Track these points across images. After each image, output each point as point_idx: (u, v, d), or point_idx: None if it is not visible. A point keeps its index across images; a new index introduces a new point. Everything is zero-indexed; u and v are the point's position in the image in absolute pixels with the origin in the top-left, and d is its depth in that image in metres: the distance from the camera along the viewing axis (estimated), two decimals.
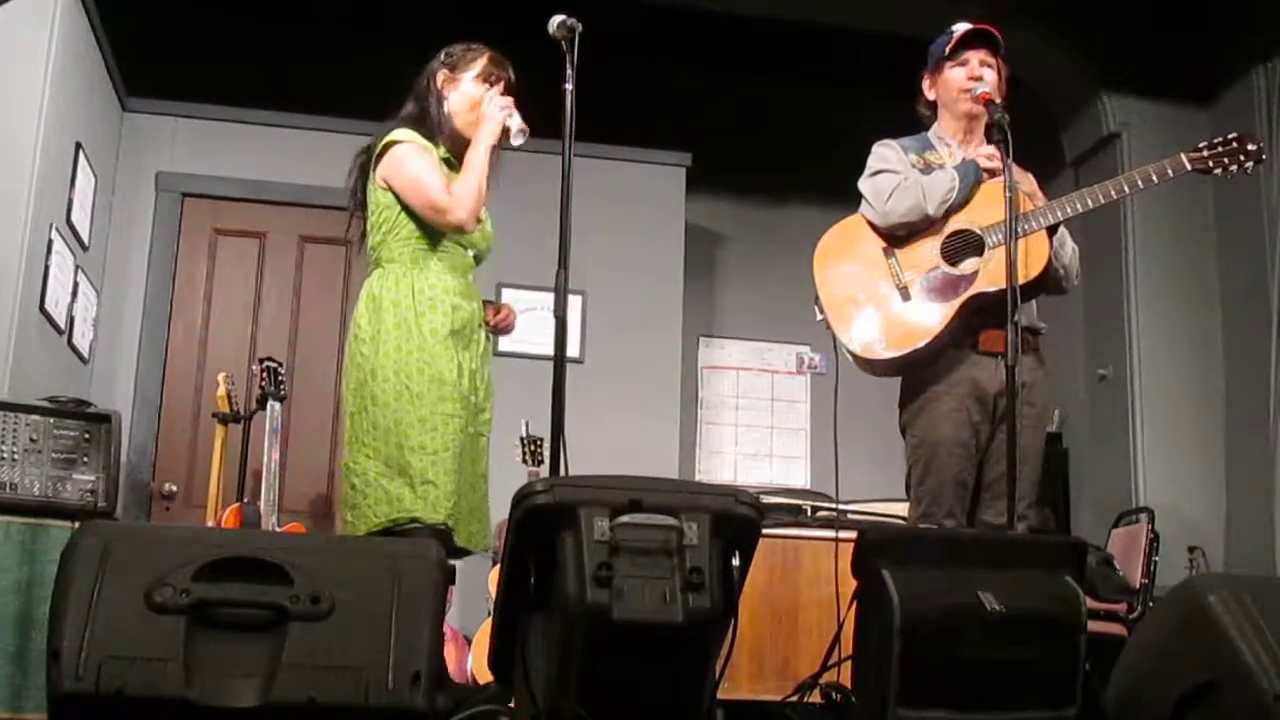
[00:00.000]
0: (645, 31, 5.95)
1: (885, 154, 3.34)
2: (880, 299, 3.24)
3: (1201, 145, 3.20)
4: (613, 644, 1.99)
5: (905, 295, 3.22)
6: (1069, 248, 3.31)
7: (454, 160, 3.23)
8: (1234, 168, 3.17)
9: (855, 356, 3.26)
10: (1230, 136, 3.19)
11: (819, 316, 3.32)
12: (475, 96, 3.23)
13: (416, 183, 3.11)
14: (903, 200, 3.21)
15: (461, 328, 3.11)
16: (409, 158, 3.13)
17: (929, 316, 3.18)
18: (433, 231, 3.15)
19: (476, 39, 3.32)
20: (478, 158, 3.15)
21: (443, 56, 3.30)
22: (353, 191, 3.32)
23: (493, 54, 3.31)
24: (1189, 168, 3.17)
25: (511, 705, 2.33)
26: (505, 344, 4.53)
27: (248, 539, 2.38)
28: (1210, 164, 3.17)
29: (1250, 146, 3.16)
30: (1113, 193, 3.17)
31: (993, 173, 3.23)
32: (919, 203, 3.20)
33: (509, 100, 3.22)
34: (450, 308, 3.10)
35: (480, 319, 3.22)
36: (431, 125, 3.22)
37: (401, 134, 3.17)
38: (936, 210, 3.21)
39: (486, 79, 3.25)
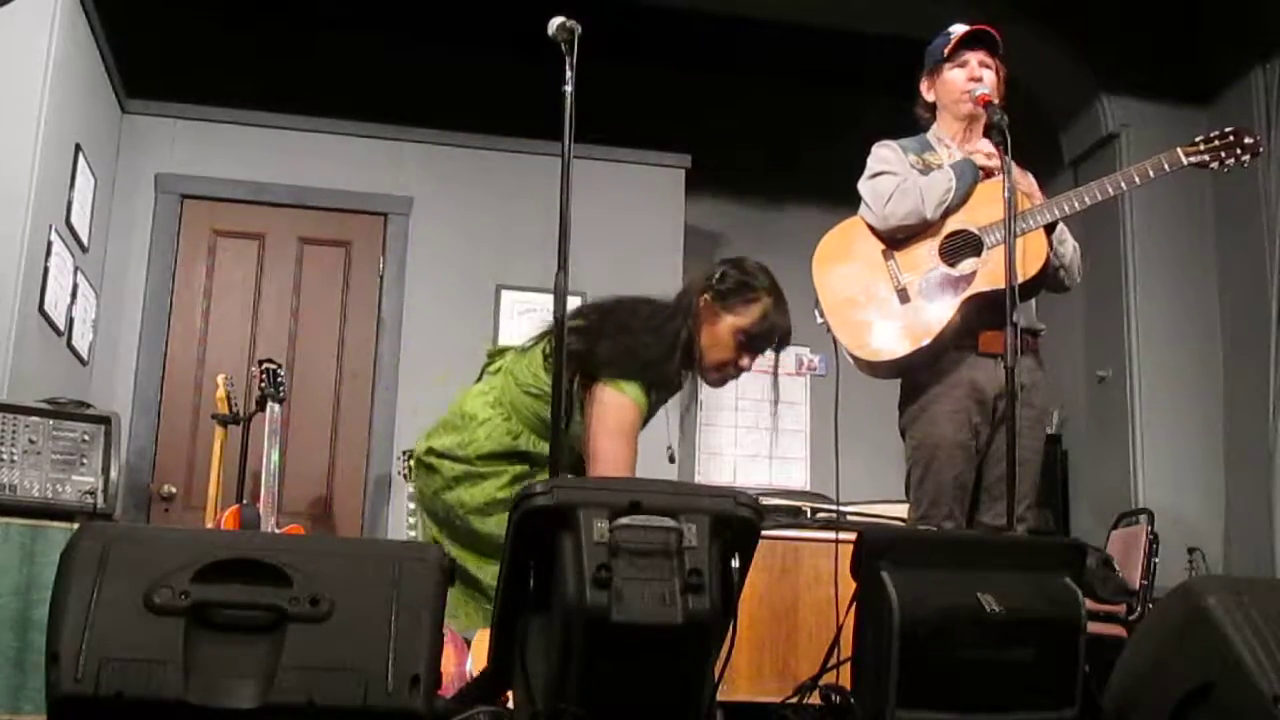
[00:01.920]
0: (645, 34, 5.96)
1: (885, 155, 3.33)
2: (879, 301, 3.23)
3: (1198, 139, 3.19)
4: (612, 646, 1.99)
5: (904, 297, 3.22)
6: (1069, 245, 3.31)
7: (664, 385, 2.77)
8: (1231, 161, 3.17)
9: (855, 359, 3.26)
10: (1227, 130, 3.19)
11: (818, 319, 3.32)
12: (728, 357, 2.73)
13: (605, 449, 2.61)
14: (902, 203, 3.21)
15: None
16: (622, 434, 2.64)
17: (928, 318, 3.18)
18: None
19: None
20: None
21: (716, 275, 2.79)
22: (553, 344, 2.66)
23: (771, 303, 2.75)
24: (1186, 162, 3.16)
25: (509, 705, 2.33)
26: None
27: (247, 540, 2.37)
28: (1207, 158, 3.17)
29: (1247, 140, 3.16)
30: (1110, 189, 3.17)
31: (989, 171, 3.23)
32: (918, 206, 3.19)
33: None
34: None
35: None
36: (674, 371, 2.71)
37: (633, 392, 2.66)
38: (934, 213, 3.21)
39: (751, 342, 2.73)
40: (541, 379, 2.74)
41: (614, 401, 2.64)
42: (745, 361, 2.75)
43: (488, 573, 2.77)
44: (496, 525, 2.75)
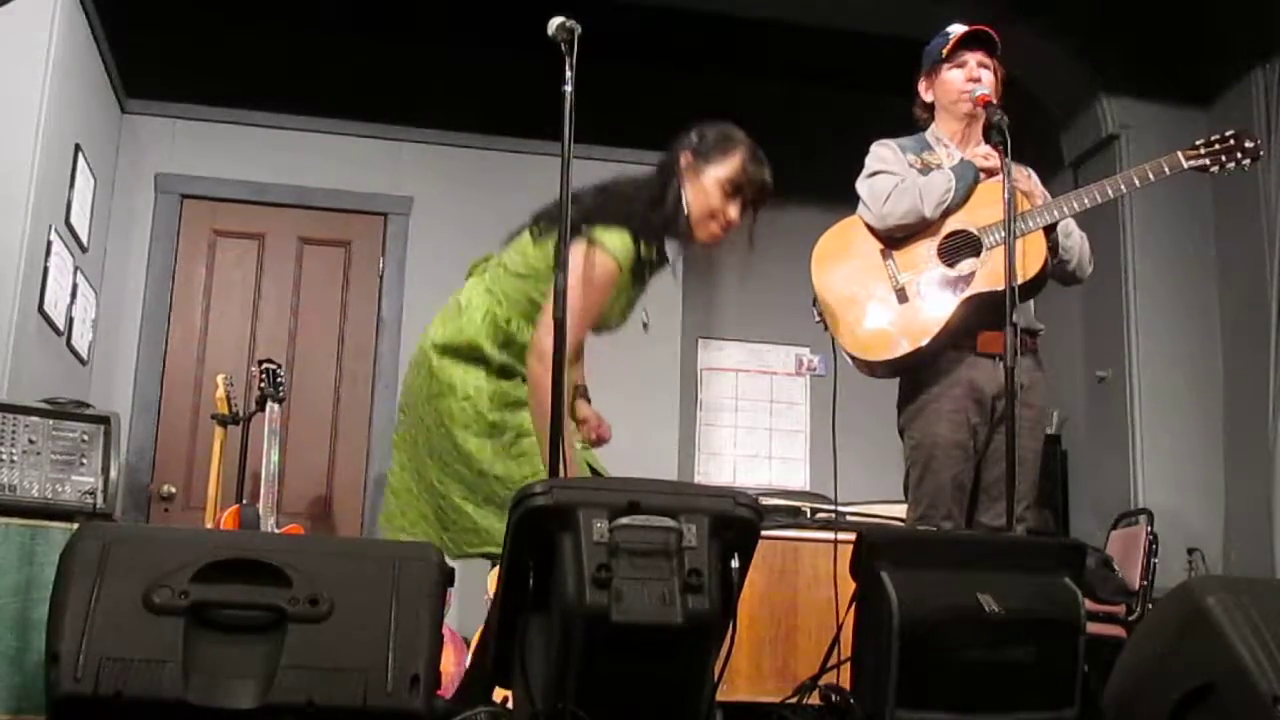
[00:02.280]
0: (645, 33, 5.96)
1: (883, 154, 3.34)
2: (878, 300, 3.24)
3: (1199, 143, 3.20)
4: (611, 646, 1.99)
5: (903, 297, 3.22)
6: (1075, 237, 3.31)
7: (650, 267, 2.88)
8: (1231, 165, 3.17)
9: (854, 358, 3.27)
10: (1228, 134, 3.19)
11: (817, 318, 3.32)
12: (714, 206, 2.83)
13: (573, 298, 2.59)
14: (900, 203, 3.21)
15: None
16: (591, 283, 2.72)
17: (927, 318, 3.18)
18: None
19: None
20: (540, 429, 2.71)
21: (694, 136, 2.88)
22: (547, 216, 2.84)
23: (749, 152, 2.86)
24: (1186, 165, 3.16)
25: (508, 705, 2.33)
26: None
27: (246, 540, 2.37)
28: (1208, 161, 3.17)
29: (1248, 143, 3.16)
30: (1110, 191, 3.17)
31: (990, 172, 3.23)
32: (916, 205, 3.20)
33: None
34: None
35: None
36: (660, 219, 2.80)
37: (616, 243, 2.75)
38: (933, 212, 3.21)
39: (735, 189, 2.84)
40: (529, 256, 2.84)
41: (593, 256, 2.73)
42: (732, 211, 2.85)
43: (450, 489, 2.83)
44: (475, 448, 2.81)
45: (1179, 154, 3.17)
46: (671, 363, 6.00)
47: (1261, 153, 3.21)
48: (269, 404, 4.74)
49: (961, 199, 3.22)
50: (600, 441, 3.20)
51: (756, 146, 2.90)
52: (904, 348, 3.19)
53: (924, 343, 3.17)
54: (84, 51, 4.86)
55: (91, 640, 1.87)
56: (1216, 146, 3.17)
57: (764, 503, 3.08)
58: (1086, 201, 3.17)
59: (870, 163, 3.33)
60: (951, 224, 3.23)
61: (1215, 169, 3.18)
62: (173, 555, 1.98)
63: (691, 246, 2.93)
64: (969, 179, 3.22)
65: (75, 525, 2.69)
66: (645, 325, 3.02)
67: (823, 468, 5.60)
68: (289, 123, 5.80)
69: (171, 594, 1.93)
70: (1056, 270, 3.28)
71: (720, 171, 2.85)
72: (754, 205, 2.90)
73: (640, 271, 2.91)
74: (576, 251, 2.69)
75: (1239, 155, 3.16)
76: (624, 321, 3.04)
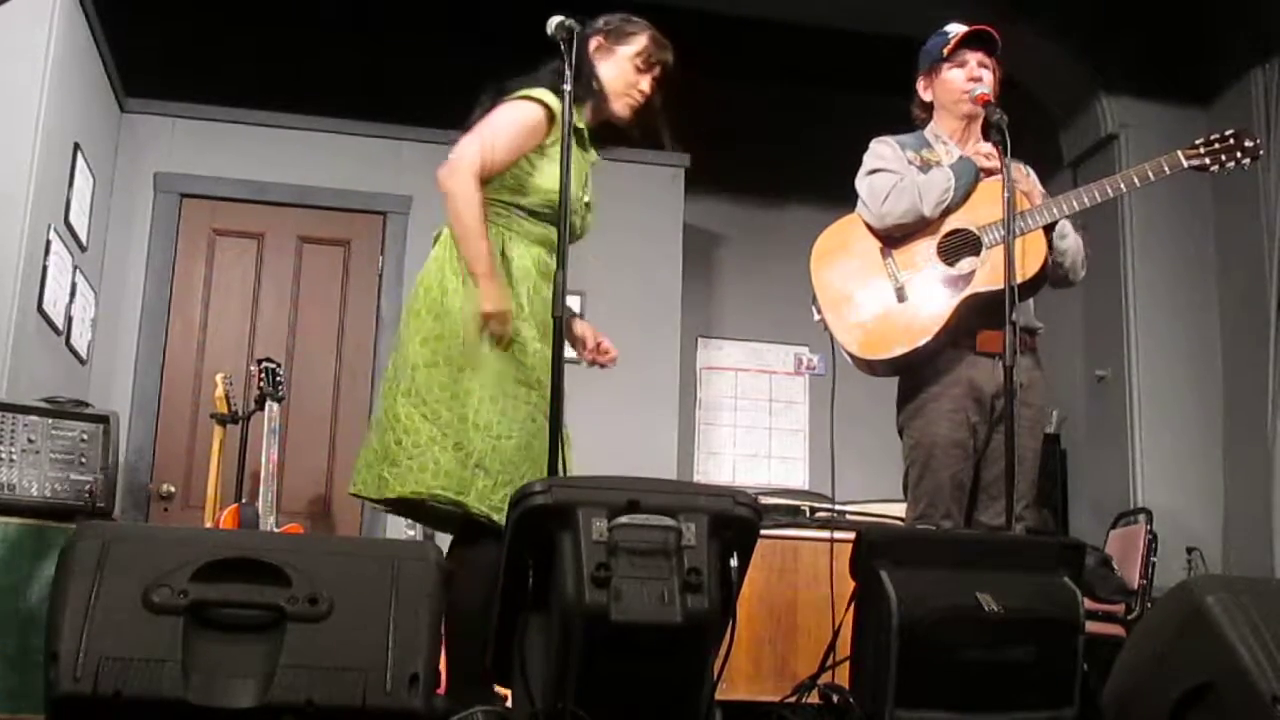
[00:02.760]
0: None
1: (882, 151, 3.33)
2: (877, 299, 3.23)
3: (1199, 142, 3.19)
4: (611, 644, 1.99)
5: (902, 295, 3.22)
6: (1069, 240, 3.30)
7: (586, 135, 3.05)
8: (1231, 164, 3.16)
9: (853, 357, 3.26)
10: (1227, 133, 3.18)
11: (816, 317, 3.32)
12: (630, 80, 3.06)
13: (492, 129, 2.85)
14: (899, 202, 3.20)
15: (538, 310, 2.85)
16: (509, 112, 2.90)
17: (926, 316, 3.18)
18: (531, 192, 2.90)
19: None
20: (483, 254, 2.80)
21: (600, 23, 3.08)
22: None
23: (654, 34, 3.11)
24: (1186, 165, 3.16)
25: (508, 704, 2.33)
26: None
27: (246, 540, 2.38)
28: (1208, 161, 3.17)
29: (1247, 143, 3.16)
30: (1110, 191, 3.17)
31: (990, 171, 3.23)
32: (915, 204, 3.19)
33: (505, 319, 2.78)
34: (531, 288, 2.86)
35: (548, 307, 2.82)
36: (583, 86, 2.95)
37: (541, 94, 2.89)
38: (932, 211, 3.20)
39: (646, 64, 3.07)
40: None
41: (517, 102, 2.91)
42: (646, 85, 3.09)
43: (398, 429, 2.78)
44: (425, 377, 2.78)
45: (1179, 153, 3.16)
46: (671, 362, 6.00)
47: (1261, 152, 3.21)
48: (268, 403, 4.74)
49: (961, 198, 3.22)
50: (603, 362, 3.11)
51: (655, 28, 3.16)
52: (903, 346, 3.19)
53: (924, 341, 3.17)
54: (83, 50, 4.85)
55: (90, 639, 1.87)
56: (1216, 146, 3.17)
57: (763, 502, 3.08)
58: (1086, 200, 3.17)
59: (869, 160, 3.32)
60: (952, 223, 3.23)
61: (1215, 168, 3.18)
62: (172, 554, 1.98)
63: (607, 118, 3.10)
64: (969, 178, 3.22)
65: (74, 524, 2.69)
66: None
67: (822, 467, 5.60)
68: (288, 122, 5.80)
69: (171, 593, 1.93)
70: (1050, 272, 3.28)
71: (631, 49, 3.08)
72: (658, 83, 3.15)
73: (581, 138, 3.04)
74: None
75: (1239, 155, 3.16)
76: (583, 199, 3.08)
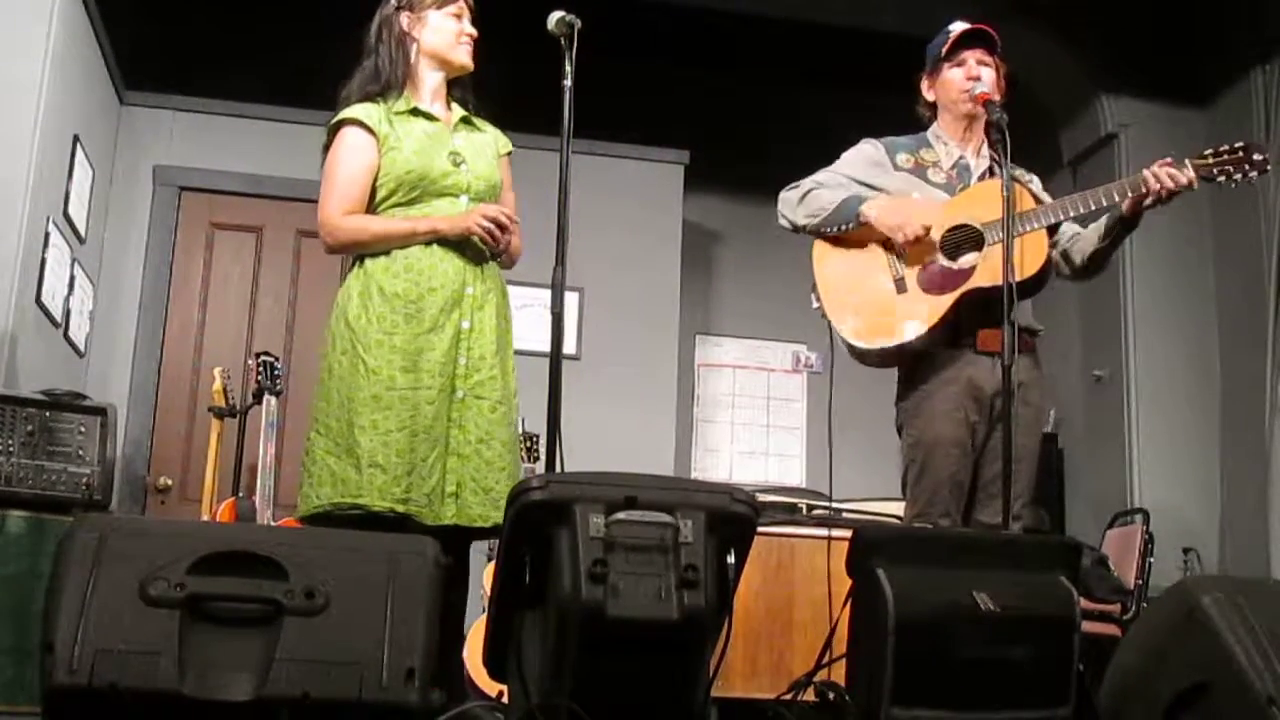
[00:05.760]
0: (644, 28, 5.95)
1: (846, 155, 3.40)
2: (876, 288, 3.24)
3: (1207, 153, 3.13)
4: (607, 641, 1.99)
5: (901, 287, 3.22)
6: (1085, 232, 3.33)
7: (422, 109, 3.09)
8: (1239, 177, 3.09)
9: (848, 345, 3.26)
10: (1236, 145, 3.11)
11: (815, 304, 3.32)
12: (453, 30, 3.11)
13: (325, 176, 3.00)
14: (791, 202, 3.35)
15: (429, 294, 2.91)
16: (333, 153, 3.00)
17: (924, 308, 3.18)
18: (396, 186, 2.97)
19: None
20: (404, 229, 2.92)
21: (391, 4, 3.15)
22: None
23: None
24: (1194, 174, 3.13)
25: (504, 700, 2.33)
26: None
27: (243, 533, 2.37)
28: (1215, 172, 3.10)
29: (1256, 156, 3.08)
30: (1115, 196, 3.14)
31: (891, 230, 3.20)
32: (793, 208, 3.33)
33: (495, 220, 2.95)
34: (415, 276, 2.91)
35: (469, 277, 2.97)
36: (389, 80, 3.06)
37: (348, 112, 3.01)
38: (803, 221, 3.31)
39: (457, 11, 3.13)
40: None
41: (332, 144, 3.01)
42: (468, 26, 3.14)
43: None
44: (318, 395, 2.93)
45: (1188, 162, 3.12)
46: (669, 358, 6.00)
47: (1269, 166, 3.13)
48: (266, 397, 4.74)
49: (834, 231, 3.27)
50: (496, 240, 2.99)
51: None
52: (899, 337, 3.19)
53: (920, 333, 3.17)
54: (83, 43, 4.85)
55: (87, 631, 1.87)
56: (1225, 157, 3.10)
57: (761, 499, 3.08)
58: (1091, 204, 3.14)
59: (826, 171, 3.40)
60: (955, 218, 3.23)
61: (1222, 179, 3.11)
62: (169, 547, 1.98)
63: (459, 74, 3.19)
64: (844, 216, 3.24)
65: (71, 516, 2.69)
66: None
67: (819, 464, 5.61)
68: (288, 115, 5.78)
69: (167, 586, 1.93)
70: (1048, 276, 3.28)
71: (435, 5, 3.11)
72: (473, 12, 3.18)
73: (426, 115, 3.09)
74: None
75: (1246, 168, 3.09)
76: (449, 158, 3.09)
